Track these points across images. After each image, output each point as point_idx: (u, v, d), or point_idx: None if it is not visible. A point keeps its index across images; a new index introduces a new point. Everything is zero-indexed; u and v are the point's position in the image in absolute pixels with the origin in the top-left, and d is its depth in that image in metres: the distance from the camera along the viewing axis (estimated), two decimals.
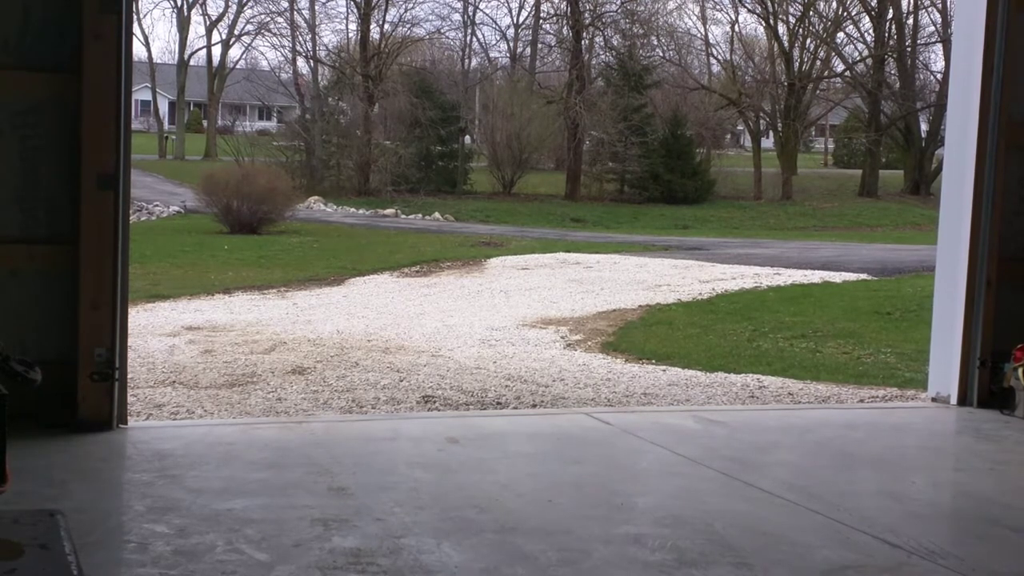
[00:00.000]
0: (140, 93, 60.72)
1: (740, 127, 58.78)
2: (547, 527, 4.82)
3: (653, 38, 49.58)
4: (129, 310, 6.38)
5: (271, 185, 28.38)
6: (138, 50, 62.68)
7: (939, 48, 49.57)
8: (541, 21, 52.28)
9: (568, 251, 24.62)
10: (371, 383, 9.76)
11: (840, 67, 50.64)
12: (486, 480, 5.53)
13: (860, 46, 50.17)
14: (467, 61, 55.56)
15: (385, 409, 8.74)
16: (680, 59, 51.80)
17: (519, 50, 56.58)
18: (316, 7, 48.68)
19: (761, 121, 51.15)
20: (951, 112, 7.94)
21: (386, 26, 46.00)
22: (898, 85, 49.70)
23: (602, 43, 47.85)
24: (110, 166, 6.06)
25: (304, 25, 48.98)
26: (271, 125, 60.20)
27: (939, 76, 48.82)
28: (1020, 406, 7.27)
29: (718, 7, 54.50)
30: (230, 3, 56.87)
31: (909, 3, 49.34)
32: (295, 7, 48.97)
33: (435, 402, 9.07)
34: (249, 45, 64.88)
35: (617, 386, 9.94)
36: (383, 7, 45.41)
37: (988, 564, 4.59)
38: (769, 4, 47.35)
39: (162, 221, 30.95)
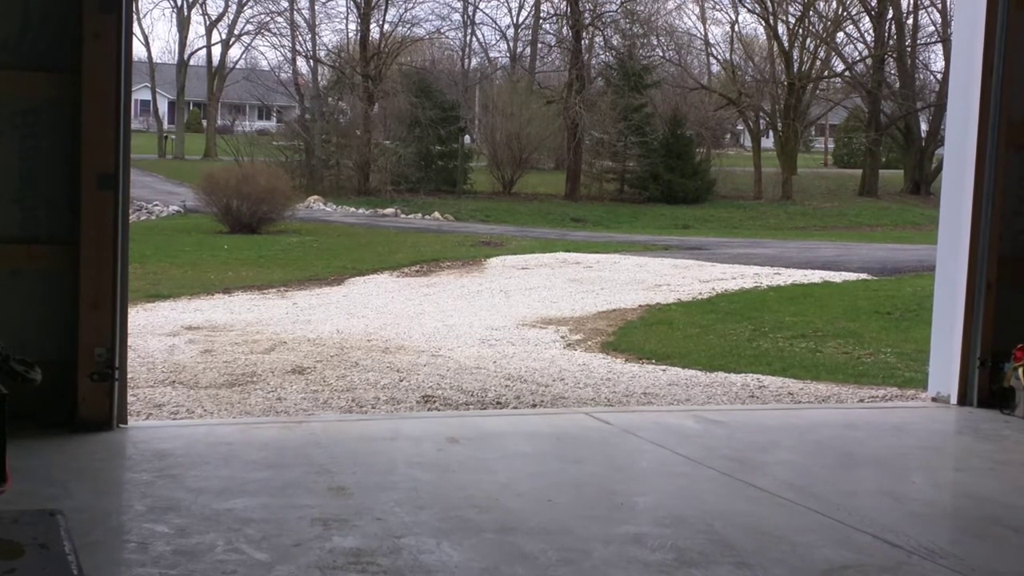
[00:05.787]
0: (140, 93, 60.75)
1: (740, 127, 58.80)
2: (547, 527, 4.82)
3: (653, 38, 49.60)
4: (129, 310, 6.39)
5: (271, 185, 28.38)
6: (138, 50, 62.74)
7: (939, 48, 49.67)
8: (541, 21, 52.38)
9: (568, 251, 24.60)
10: (371, 383, 9.76)
11: (840, 67, 50.71)
12: (486, 480, 5.53)
13: (860, 46, 50.27)
14: (467, 61, 55.71)
15: (385, 409, 8.73)
16: (680, 59, 51.84)
17: (519, 50, 56.72)
18: (316, 7, 48.76)
19: (761, 121, 51.17)
20: (951, 112, 7.94)
21: (386, 26, 46.09)
22: (898, 85, 49.70)
23: (602, 43, 47.88)
24: (110, 166, 6.06)
25: (304, 25, 49.04)
26: (271, 125, 60.22)
27: (939, 76, 48.92)
28: (1020, 406, 7.27)
29: (718, 7, 54.59)
30: (230, 3, 57.02)
31: (909, 3, 49.43)
32: (295, 7, 49.03)
33: (435, 402, 9.07)
34: (249, 45, 65.20)
35: (617, 386, 9.94)
36: (383, 7, 45.44)
37: (988, 564, 4.59)
38: (769, 4, 47.35)
39: (162, 221, 30.95)
